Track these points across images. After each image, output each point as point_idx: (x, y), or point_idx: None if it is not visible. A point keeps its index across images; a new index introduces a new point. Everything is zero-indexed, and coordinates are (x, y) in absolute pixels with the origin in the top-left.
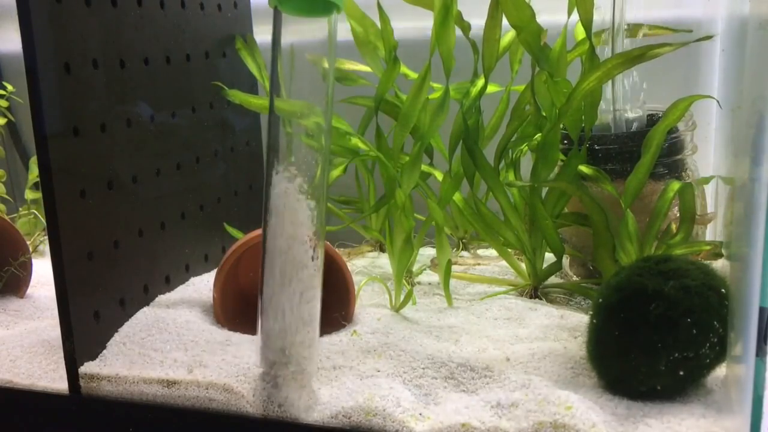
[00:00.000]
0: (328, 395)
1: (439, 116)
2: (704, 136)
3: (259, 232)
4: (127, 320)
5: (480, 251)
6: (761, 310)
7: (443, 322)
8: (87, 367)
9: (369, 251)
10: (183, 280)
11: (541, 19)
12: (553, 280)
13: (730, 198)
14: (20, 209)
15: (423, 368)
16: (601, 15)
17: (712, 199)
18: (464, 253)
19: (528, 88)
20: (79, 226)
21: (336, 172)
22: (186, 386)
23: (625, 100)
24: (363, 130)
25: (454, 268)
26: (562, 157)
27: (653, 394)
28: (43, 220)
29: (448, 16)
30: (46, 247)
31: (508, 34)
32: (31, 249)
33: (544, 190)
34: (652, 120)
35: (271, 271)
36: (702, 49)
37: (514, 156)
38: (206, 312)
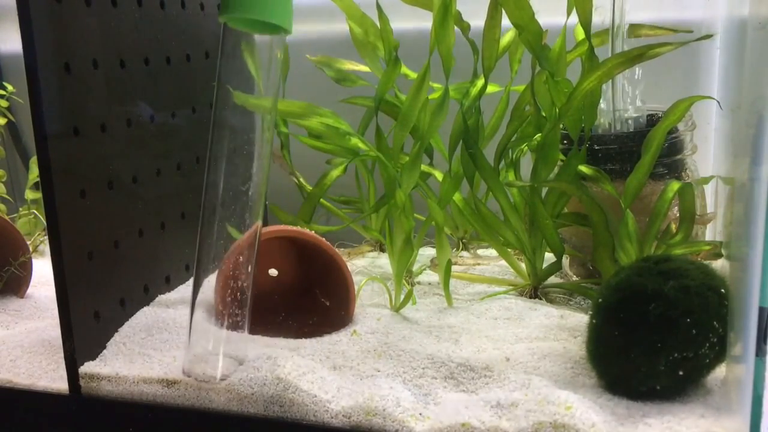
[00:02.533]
0: (328, 395)
1: (438, 116)
2: (704, 136)
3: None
4: (127, 320)
5: (480, 251)
6: (761, 310)
7: (443, 322)
8: (87, 367)
9: (369, 251)
10: (183, 280)
11: (540, 20)
12: (553, 280)
13: (729, 198)
14: (20, 209)
15: (423, 368)
16: (600, 16)
17: (712, 199)
18: (464, 253)
19: (528, 88)
20: (79, 226)
21: (336, 172)
22: (186, 386)
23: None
24: (363, 130)
25: (454, 268)
26: (562, 157)
27: (653, 394)
28: (43, 220)
29: (447, 15)
30: (46, 247)
31: (507, 34)
32: (31, 249)
33: (544, 190)
34: (652, 120)
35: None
36: (702, 49)
37: (514, 156)
38: (207, 312)
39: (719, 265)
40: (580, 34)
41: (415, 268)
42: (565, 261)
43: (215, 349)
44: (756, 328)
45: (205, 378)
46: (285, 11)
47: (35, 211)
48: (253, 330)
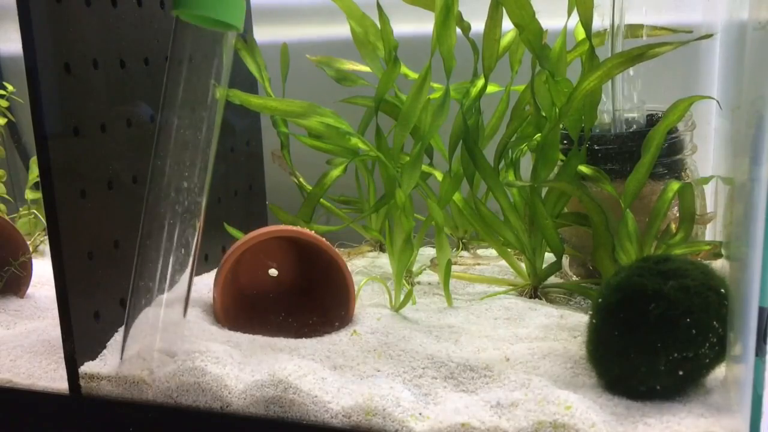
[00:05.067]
0: (328, 395)
1: (439, 116)
2: (704, 136)
3: (259, 231)
4: None
5: (480, 251)
6: (761, 309)
7: (443, 322)
8: (87, 367)
9: (369, 251)
10: None
11: (541, 20)
12: (553, 280)
13: (729, 198)
14: (20, 209)
15: (423, 368)
16: (600, 16)
17: (712, 199)
18: (464, 253)
19: (528, 88)
20: (79, 226)
21: (336, 172)
22: (186, 385)
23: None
24: (363, 130)
25: (454, 268)
26: (561, 157)
27: (653, 393)
28: (43, 220)
29: (449, 16)
30: (46, 247)
31: (508, 34)
32: (31, 249)
33: (544, 190)
34: (652, 120)
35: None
36: (701, 49)
37: (513, 156)
38: (206, 312)
39: (719, 265)
40: (580, 35)
41: (415, 268)
42: (565, 261)
43: (151, 344)
44: (756, 328)
45: (143, 375)
46: (237, 8)
47: (35, 211)
48: (254, 330)
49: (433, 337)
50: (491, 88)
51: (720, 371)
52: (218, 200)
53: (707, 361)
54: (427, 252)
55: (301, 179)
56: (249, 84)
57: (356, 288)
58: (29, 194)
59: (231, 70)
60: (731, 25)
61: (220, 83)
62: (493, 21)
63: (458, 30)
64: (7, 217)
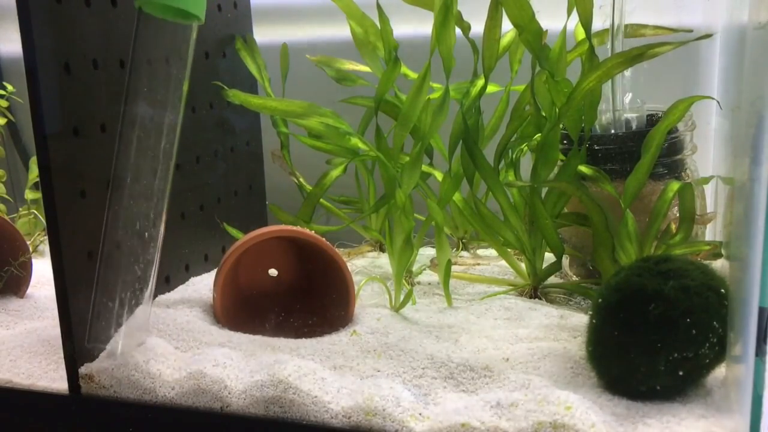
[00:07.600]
0: (328, 395)
1: (439, 116)
2: (704, 136)
3: (259, 231)
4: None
5: (480, 251)
6: (761, 310)
7: (443, 322)
8: (87, 368)
9: (369, 251)
10: (183, 280)
11: (540, 21)
12: (553, 280)
13: (730, 198)
14: (20, 209)
15: (423, 368)
16: (602, 17)
17: (712, 199)
18: (464, 253)
19: (528, 88)
20: (79, 226)
21: (336, 172)
22: (185, 387)
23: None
24: (363, 130)
25: (454, 268)
26: (561, 157)
27: (653, 394)
28: (43, 220)
29: (448, 15)
30: (46, 247)
31: (508, 34)
32: (31, 249)
33: (544, 190)
34: (652, 120)
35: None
36: (702, 49)
37: (513, 156)
38: (206, 312)
39: (719, 265)
40: (580, 35)
41: (415, 268)
42: (565, 261)
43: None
44: (756, 328)
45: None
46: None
47: (35, 211)
48: (254, 330)
49: (433, 337)
50: (491, 88)
51: (720, 371)
52: (218, 200)
53: (707, 361)
54: (427, 252)
55: (301, 179)
56: (249, 84)
57: (356, 288)
58: (29, 194)
59: (229, 71)
60: (731, 26)
61: (182, 79)
62: (493, 21)
63: (458, 30)
64: (7, 217)
